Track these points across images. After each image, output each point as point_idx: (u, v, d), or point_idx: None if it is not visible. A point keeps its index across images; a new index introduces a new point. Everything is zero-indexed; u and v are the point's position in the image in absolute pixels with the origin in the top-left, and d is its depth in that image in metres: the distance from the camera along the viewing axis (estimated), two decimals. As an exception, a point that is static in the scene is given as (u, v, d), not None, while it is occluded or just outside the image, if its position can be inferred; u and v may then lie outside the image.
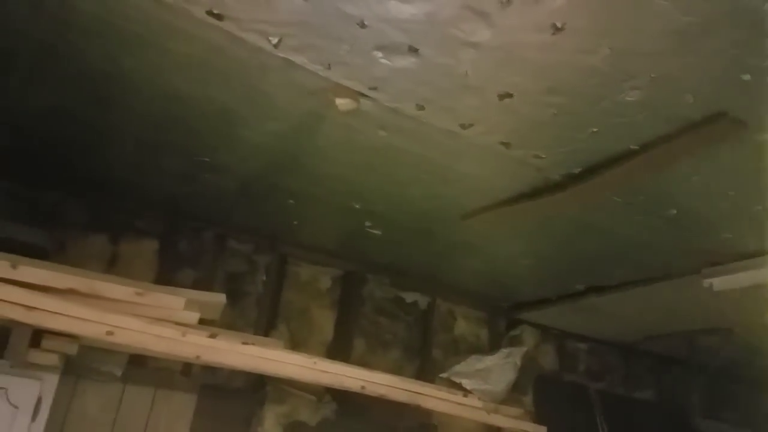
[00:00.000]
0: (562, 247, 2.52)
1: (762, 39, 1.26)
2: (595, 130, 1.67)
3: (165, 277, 2.62)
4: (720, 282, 2.32)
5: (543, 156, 1.85)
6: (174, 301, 2.04)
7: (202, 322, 2.19)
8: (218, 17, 1.43)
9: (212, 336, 2.13)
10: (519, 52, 1.40)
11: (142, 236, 2.64)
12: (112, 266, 2.56)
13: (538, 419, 3.01)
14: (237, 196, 2.46)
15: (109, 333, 1.84)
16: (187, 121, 1.92)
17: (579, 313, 3.18)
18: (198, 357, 2.08)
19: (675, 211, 2.01)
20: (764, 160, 1.64)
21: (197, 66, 1.62)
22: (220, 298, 2.30)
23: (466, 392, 2.72)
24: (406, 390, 2.43)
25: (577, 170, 1.90)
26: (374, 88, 1.62)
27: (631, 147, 1.71)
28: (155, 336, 1.95)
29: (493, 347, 3.32)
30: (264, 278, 2.83)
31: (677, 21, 1.25)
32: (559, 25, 1.30)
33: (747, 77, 1.38)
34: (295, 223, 2.67)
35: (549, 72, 1.46)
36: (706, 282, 2.33)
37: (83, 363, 2.17)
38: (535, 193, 2.09)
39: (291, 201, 2.44)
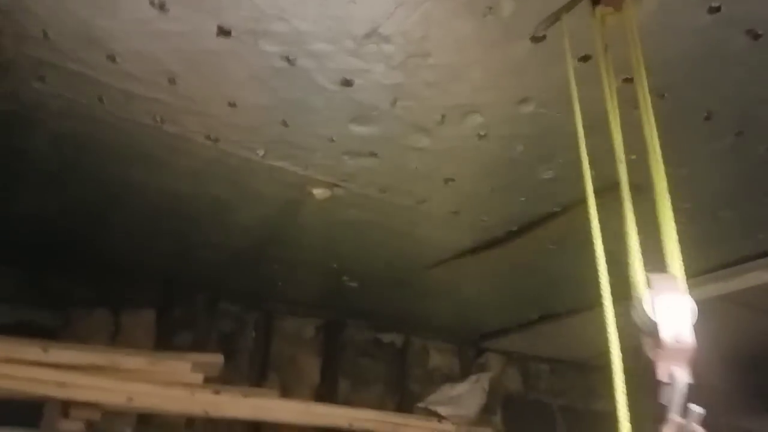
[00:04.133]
0: (514, 285, 2.92)
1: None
2: (523, 199, 2.09)
3: (163, 341, 2.88)
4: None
5: (486, 219, 2.26)
6: (182, 366, 2.33)
7: (205, 380, 2.47)
8: (215, 141, 1.79)
9: (216, 392, 2.42)
10: (455, 152, 1.81)
11: (140, 307, 2.90)
12: (115, 337, 2.81)
13: (508, 436, 3.37)
14: (227, 266, 2.78)
15: (130, 399, 2.12)
16: (185, 211, 2.25)
17: (537, 337, 3.57)
18: (206, 412, 2.36)
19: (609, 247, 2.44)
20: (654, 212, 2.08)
21: (196, 173, 1.97)
22: (219, 358, 2.58)
23: (441, 418, 3.05)
24: (388, 422, 2.75)
25: (515, 227, 2.31)
26: (344, 180, 2.00)
27: (554, 209, 2.13)
28: (169, 398, 2.23)
29: (463, 375, 3.67)
30: (253, 334, 3.12)
31: (571, 125, 1.67)
32: (482, 133, 1.72)
33: (633, 157, 1.82)
34: (280, 283, 2.99)
35: (481, 163, 1.87)
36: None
37: (100, 427, 2.41)
38: (485, 246, 2.50)
39: (276, 266, 2.77)
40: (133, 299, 2.90)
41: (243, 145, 1.80)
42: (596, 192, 2.02)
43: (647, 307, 0.84)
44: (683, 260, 2.92)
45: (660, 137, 1.70)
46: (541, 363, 3.93)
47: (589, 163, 1.68)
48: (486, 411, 3.47)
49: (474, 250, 2.55)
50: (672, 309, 0.83)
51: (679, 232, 2.33)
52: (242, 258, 2.68)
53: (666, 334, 0.80)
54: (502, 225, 2.30)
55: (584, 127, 1.58)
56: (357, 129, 1.71)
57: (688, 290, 0.89)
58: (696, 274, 2.56)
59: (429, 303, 3.33)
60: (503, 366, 3.83)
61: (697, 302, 3.03)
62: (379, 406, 3.25)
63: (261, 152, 1.84)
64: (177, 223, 2.33)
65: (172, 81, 1.55)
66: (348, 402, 3.13)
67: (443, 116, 1.65)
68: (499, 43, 1.36)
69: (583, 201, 2.07)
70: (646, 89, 1.04)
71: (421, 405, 3.32)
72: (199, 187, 2.06)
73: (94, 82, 1.55)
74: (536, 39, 1.35)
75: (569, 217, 2.12)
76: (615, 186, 1.97)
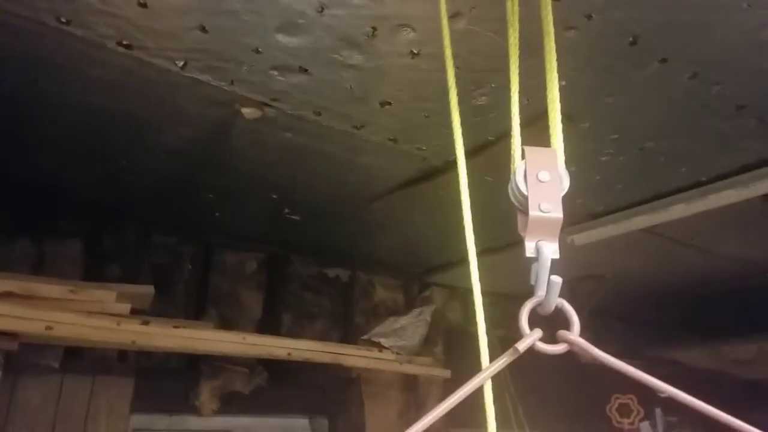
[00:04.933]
0: (454, 219, 2.92)
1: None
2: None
3: (91, 274, 2.75)
4: (579, 238, 2.83)
5: (424, 148, 2.22)
6: (106, 295, 2.24)
7: (134, 312, 2.40)
8: (128, 47, 1.63)
9: (145, 323, 2.36)
10: (389, 71, 1.73)
11: (65, 237, 2.76)
12: (38, 269, 2.67)
13: (448, 366, 3.50)
14: (158, 193, 2.65)
15: (49, 328, 2.03)
16: (105, 130, 2.10)
17: (479, 271, 3.65)
18: (133, 342, 2.30)
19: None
20: (586, 144, 2.10)
21: (113, 85, 1.82)
22: (149, 289, 2.50)
23: (382, 348, 3.12)
24: (327, 352, 2.78)
25: (452, 157, 2.28)
26: (275, 100, 1.89)
27: (489, 138, 2.10)
28: (92, 327, 2.15)
29: (408, 309, 3.74)
30: (190, 267, 3.04)
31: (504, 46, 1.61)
32: (415, 51, 1.64)
33: (563, 83, 1.79)
34: (217, 214, 2.89)
35: (415, 85, 1.80)
36: (569, 239, 2.83)
37: (22, 360, 2.32)
38: (424, 177, 2.47)
39: (210, 195, 2.67)
40: (57, 229, 2.75)
41: (159, 53, 1.66)
42: (528, 121, 2.01)
43: (519, 180, 0.81)
44: (618, 190, 2.95)
45: (590, 62, 1.68)
46: (482, 296, 4.05)
47: (520, 90, 1.64)
48: (428, 342, 3.57)
49: (414, 181, 2.52)
50: (543, 181, 0.79)
51: (608, 164, 2.38)
52: (173, 184, 2.55)
53: (533, 205, 0.77)
54: (439, 154, 2.27)
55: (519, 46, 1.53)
56: (284, 39, 1.60)
57: (564, 165, 0.86)
58: (624, 206, 2.65)
59: (374, 238, 3.32)
60: (446, 299, 3.93)
61: (625, 235, 3.09)
62: (323, 339, 3.28)
63: (180, 63, 1.70)
64: (97, 143, 2.18)
65: (71, -28, 1.38)
66: (291, 335, 3.14)
67: (374, 29, 1.56)
68: (428, -60, 1.27)
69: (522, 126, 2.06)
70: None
71: (364, 337, 3.38)
72: (117, 102, 1.90)
73: (-21, -31, 1.37)
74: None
75: (504, 146, 2.10)
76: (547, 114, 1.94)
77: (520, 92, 1.89)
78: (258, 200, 2.75)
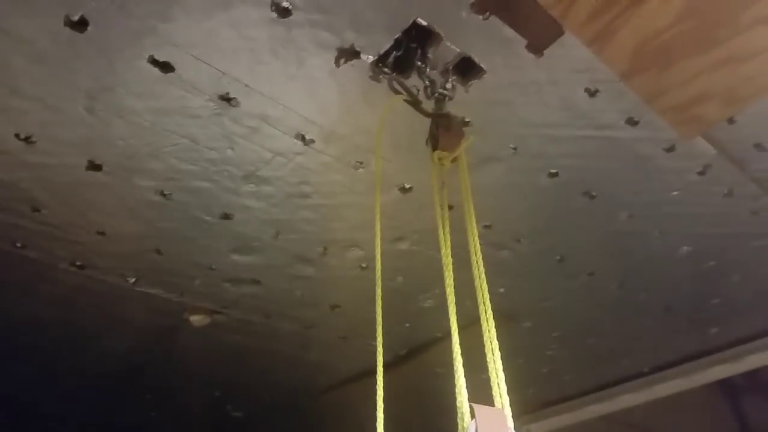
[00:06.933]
0: (404, 411, 2.85)
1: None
2: (408, 325, 2.12)
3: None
4: (536, 427, 2.81)
5: (374, 344, 2.23)
6: None
7: None
8: (80, 267, 1.66)
9: None
10: (339, 281, 1.83)
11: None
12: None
13: None
14: (92, 394, 2.47)
15: None
16: (44, 337, 2.02)
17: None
18: None
19: (484, 376, 2.48)
20: (531, 339, 2.20)
21: (61, 299, 1.80)
22: None
23: None
24: None
25: (402, 352, 2.31)
26: (225, 307, 1.92)
27: (437, 335, 2.17)
28: None
29: None
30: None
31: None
32: (363, 265, 1.75)
33: (502, 290, 1.93)
34: (153, 414, 2.69)
35: (364, 291, 1.89)
36: (525, 428, 2.79)
37: None
38: (374, 371, 2.45)
39: (148, 395, 2.51)
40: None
41: (112, 272, 1.69)
42: (471, 322, 2.11)
43: None
44: (567, 380, 2.99)
45: (524, 274, 1.85)
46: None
47: (463, 296, 1.74)
48: None
49: (364, 375, 2.50)
50: None
51: (554, 357, 2.46)
52: (108, 386, 2.40)
53: None
54: (390, 350, 2.29)
55: (455, 263, 1.68)
56: (238, 258, 1.68)
57: (514, 427, 0.80)
58: (574, 395, 2.69)
59: None
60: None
61: (582, 423, 3.05)
62: None
63: (132, 279, 1.73)
64: (35, 349, 2.07)
65: (35, 209, 1.45)
66: None
67: (325, 249, 1.68)
68: (371, 191, 1.45)
69: (465, 327, 2.15)
70: (474, 221, 1.09)
71: None
72: (62, 313, 1.87)
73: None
74: (404, 190, 1.46)
75: (451, 342, 2.17)
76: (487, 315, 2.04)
77: (463, 296, 2.00)
78: (199, 398, 2.60)
